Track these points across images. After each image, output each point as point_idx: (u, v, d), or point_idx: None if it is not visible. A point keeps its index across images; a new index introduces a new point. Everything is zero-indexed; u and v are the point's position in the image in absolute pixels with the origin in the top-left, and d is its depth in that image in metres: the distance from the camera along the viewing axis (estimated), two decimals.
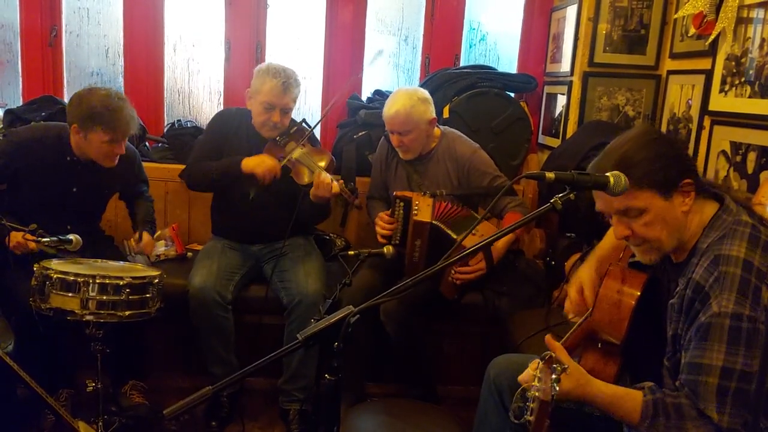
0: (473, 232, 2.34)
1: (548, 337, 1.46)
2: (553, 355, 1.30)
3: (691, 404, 1.36)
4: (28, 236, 2.21)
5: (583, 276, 1.76)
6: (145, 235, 2.62)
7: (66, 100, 3.35)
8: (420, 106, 2.59)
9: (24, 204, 2.49)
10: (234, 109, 2.89)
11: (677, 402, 1.37)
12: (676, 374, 1.43)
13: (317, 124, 2.80)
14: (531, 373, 1.40)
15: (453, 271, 2.49)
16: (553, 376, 1.23)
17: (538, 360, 1.32)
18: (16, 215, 2.39)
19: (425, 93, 2.66)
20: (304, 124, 2.74)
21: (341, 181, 2.57)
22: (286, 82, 2.59)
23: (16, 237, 2.27)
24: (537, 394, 1.25)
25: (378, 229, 2.66)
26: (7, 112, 3.12)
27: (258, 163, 2.58)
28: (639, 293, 1.56)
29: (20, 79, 3.41)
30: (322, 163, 2.62)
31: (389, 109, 2.60)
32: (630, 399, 1.43)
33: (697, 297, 1.38)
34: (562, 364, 1.26)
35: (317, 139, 2.99)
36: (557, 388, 1.22)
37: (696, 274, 1.40)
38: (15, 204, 2.48)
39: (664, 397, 1.39)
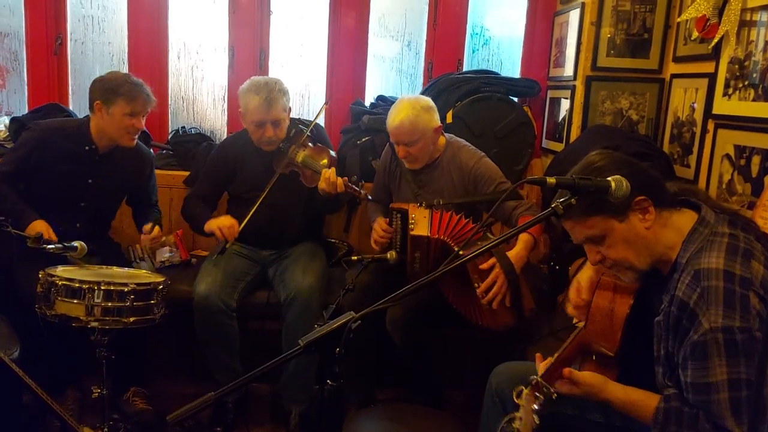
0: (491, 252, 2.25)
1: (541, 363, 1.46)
2: (539, 380, 1.31)
3: (707, 418, 1.35)
4: (32, 243, 2.23)
5: (582, 276, 1.76)
6: (156, 228, 2.66)
7: (71, 107, 3.40)
8: (424, 115, 2.54)
9: (41, 199, 2.54)
10: (235, 134, 2.93)
11: (694, 412, 1.36)
12: (680, 391, 1.42)
13: (311, 125, 2.80)
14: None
15: (482, 298, 2.32)
16: (535, 407, 1.23)
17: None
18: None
19: (428, 101, 2.62)
20: (300, 126, 2.76)
21: (345, 178, 2.57)
22: (269, 97, 2.60)
23: (34, 228, 2.36)
24: (517, 426, 1.26)
25: (375, 236, 2.66)
26: (13, 120, 3.15)
27: (215, 223, 2.64)
28: (632, 301, 1.55)
29: (25, 87, 3.43)
30: (324, 161, 2.65)
31: (393, 120, 2.55)
32: (644, 405, 1.44)
33: (684, 315, 1.37)
34: (549, 389, 1.26)
35: (322, 127, 3.01)
36: (537, 422, 1.23)
37: (679, 291, 1.39)
38: (32, 201, 2.54)
39: (682, 406, 1.38)
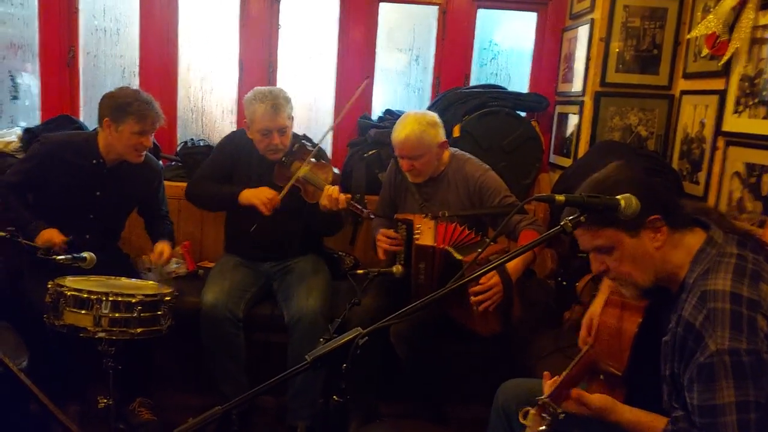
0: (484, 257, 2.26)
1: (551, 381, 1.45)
2: (546, 400, 1.30)
3: None
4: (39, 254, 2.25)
5: (594, 309, 1.73)
6: (166, 247, 2.68)
7: (82, 119, 3.42)
8: (430, 130, 2.55)
9: (49, 212, 2.56)
10: (234, 133, 2.93)
11: None
12: (687, 413, 1.40)
13: (323, 138, 2.82)
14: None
15: (474, 304, 2.33)
16: (542, 428, 1.23)
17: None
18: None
19: (434, 116, 2.63)
20: (304, 140, 2.77)
21: (348, 195, 2.57)
22: (275, 103, 2.62)
23: (44, 237, 2.39)
24: None
25: (381, 244, 2.63)
26: (25, 131, 3.18)
27: (255, 194, 2.64)
28: (640, 319, 1.54)
29: (38, 99, 3.46)
30: (327, 177, 2.65)
31: (399, 134, 2.56)
32: (652, 428, 1.43)
33: (690, 336, 1.36)
34: (556, 409, 1.25)
35: (323, 150, 3.01)
36: None
37: (685, 312, 1.38)
38: (41, 212, 2.56)
39: (690, 428, 1.37)
